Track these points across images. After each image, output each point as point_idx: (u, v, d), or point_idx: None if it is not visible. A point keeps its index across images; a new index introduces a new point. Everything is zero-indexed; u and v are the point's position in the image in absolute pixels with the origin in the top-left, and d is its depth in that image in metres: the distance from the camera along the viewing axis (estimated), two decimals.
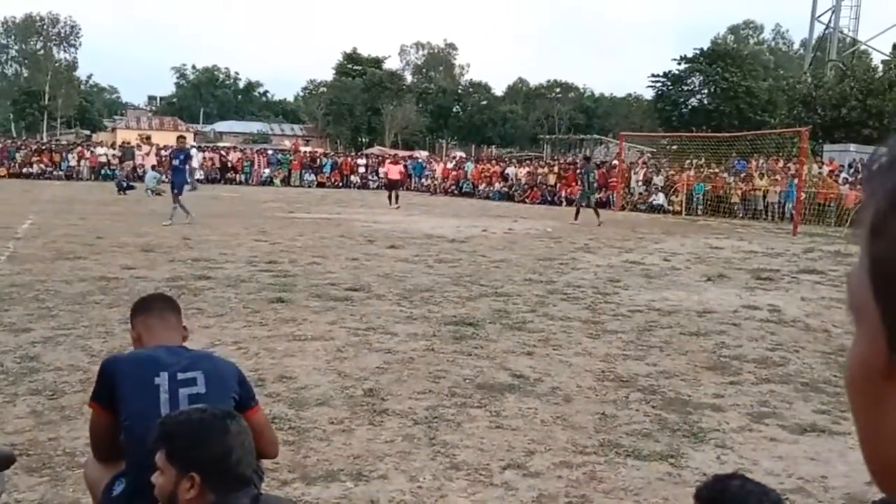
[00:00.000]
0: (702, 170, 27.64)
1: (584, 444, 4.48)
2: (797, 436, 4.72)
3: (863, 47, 46.39)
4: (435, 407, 5.01)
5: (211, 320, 7.26)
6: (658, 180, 27.69)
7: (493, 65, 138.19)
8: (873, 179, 0.46)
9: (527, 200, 30.35)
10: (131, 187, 27.19)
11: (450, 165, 38.05)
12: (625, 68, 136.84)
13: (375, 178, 38.42)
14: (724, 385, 5.73)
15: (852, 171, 26.44)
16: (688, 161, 28.86)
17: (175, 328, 2.91)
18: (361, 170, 39.17)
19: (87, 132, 63.30)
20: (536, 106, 72.54)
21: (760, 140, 27.75)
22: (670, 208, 26.22)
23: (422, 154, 47.78)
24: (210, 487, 2.01)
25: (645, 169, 29.45)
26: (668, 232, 18.33)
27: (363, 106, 66.46)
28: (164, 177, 25.54)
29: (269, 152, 41.35)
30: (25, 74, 69.20)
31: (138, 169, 33.83)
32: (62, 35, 68.88)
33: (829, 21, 42.81)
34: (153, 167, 30.18)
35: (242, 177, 37.19)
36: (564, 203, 29.62)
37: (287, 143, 55.47)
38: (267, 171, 37.79)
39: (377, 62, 70.98)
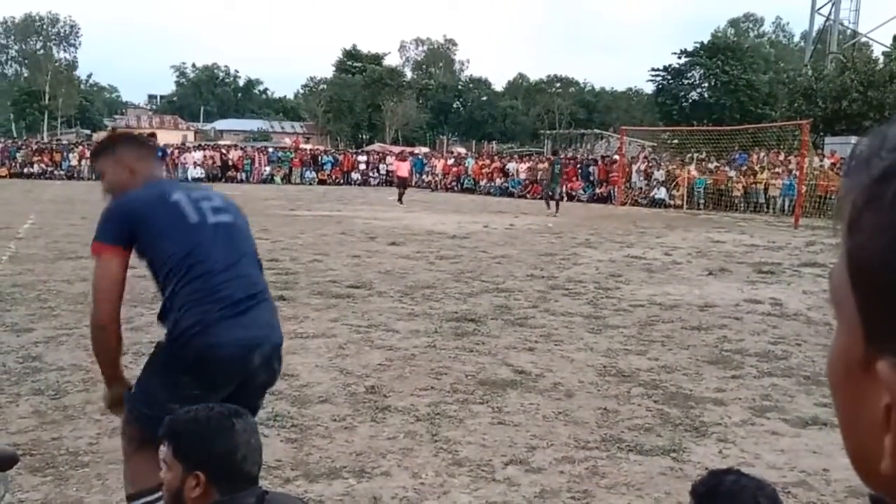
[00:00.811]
0: (703, 163, 27.61)
1: (586, 439, 4.48)
2: (799, 429, 4.72)
3: (863, 39, 46.25)
4: (437, 403, 5.02)
5: None
6: (659, 174, 27.66)
7: (492, 60, 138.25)
8: (852, 174, 0.46)
9: (527, 196, 30.34)
10: None
11: (450, 161, 38.05)
12: (625, 62, 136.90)
13: (376, 174, 38.42)
14: (726, 379, 5.73)
15: None
16: (689, 155, 28.82)
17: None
18: (362, 167, 39.17)
19: (88, 131, 63.29)
20: (537, 101, 72.42)
21: (761, 133, 27.69)
22: (671, 202, 26.21)
23: (422, 150, 47.75)
24: (215, 485, 2.01)
25: (646, 163, 29.42)
26: (669, 226, 18.32)
27: (363, 103, 66.42)
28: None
29: (270, 150, 41.37)
30: (25, 74, 69.29)
31: None
32: (62, 35, 69.01)
33: (830, 13, 42.69)
34: None
35: (243, 175, 37.21)
36: (565, 198, 29.62)
37: (287, 141, 55.48)
38: (267, 168, 37.80)
39: (377, 59, 70.87)
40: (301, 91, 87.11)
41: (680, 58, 54.30)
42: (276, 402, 4.91)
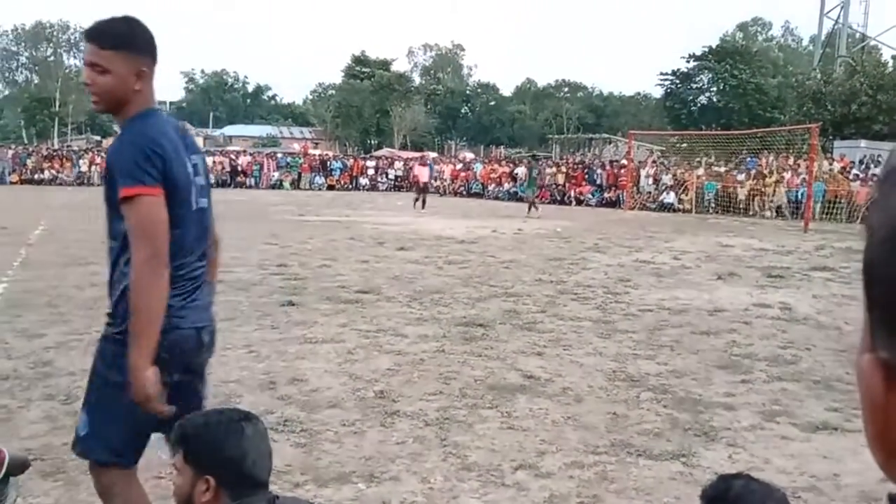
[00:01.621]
0: (712, 168, 27.55)
1: (596, 444, 4.47)
2: (809, 434, 4.70)
3: (872, 43, 46.11)
4: (446, 408, 5.02)
5: (222, 324, 7.21)
6: (667, 179, 27.62)
7: (500, 65, 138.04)
8: (885, 182, 0.48)
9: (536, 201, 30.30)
10: None
11: (458, 166, 38.07)
12: (633, 67, 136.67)
13: (385, 179, 38.48)
14: (736, 384, 5.71)
15: (863, 167, 26.31)
16: (697, 159, 28.77)
17: None
18: (371, 172, 39.23)
19: (98, 138, 63.49)
20: (545, 106, 72.36)
21: (771, 137, 27.64)
22: (680, 207, 26.16)
23: (430, 155, 47.79)
24: (225, 490, 2.02)
25: (654, 167, 29.39)
26: (678, 230, 18.29)
27: (372, 108, 66.48)
28: None
29: (279, 156, 41.48)
30: (36, 81, 69.67)
31: None
32: (72, 42, 69.25)
33: (839, 17, 42.60)
34: None
35: (252, 180, 37.31)
36: (574, 203, 29.60)
37: (296, 147, 55.54)
38: (276, 174, 37.92)
39: (385, 64, 70.97)
40: (310, 97, 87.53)
41: (688, 62, 54.19)
42: (286, 406, 4.93)
